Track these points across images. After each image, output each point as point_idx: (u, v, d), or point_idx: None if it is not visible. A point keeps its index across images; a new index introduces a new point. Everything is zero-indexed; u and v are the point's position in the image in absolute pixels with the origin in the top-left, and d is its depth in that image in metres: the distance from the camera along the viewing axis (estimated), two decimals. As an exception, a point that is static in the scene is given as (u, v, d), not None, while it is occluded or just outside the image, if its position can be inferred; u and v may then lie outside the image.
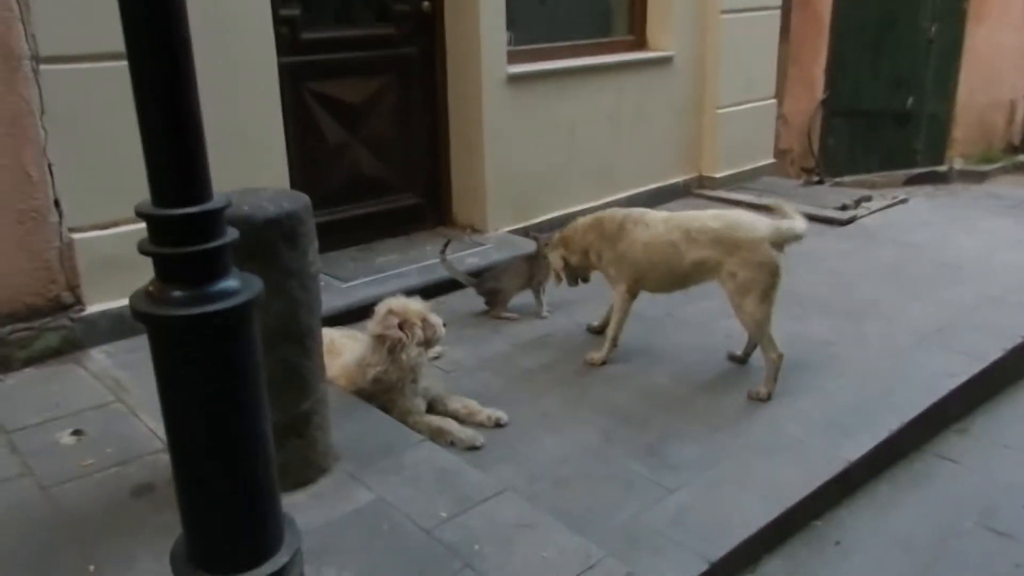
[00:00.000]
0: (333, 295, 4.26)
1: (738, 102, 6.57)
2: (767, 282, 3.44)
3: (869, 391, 3.48)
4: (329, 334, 3.49)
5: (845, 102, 8.76)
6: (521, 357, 3.86)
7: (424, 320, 3.18)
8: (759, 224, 3.49)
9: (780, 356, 3.44)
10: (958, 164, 8.80)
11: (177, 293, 1.63)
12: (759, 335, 3.49)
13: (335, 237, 4.89)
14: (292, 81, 4.53)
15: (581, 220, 3.86)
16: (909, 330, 4.07)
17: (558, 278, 3.99)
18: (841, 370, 3.66)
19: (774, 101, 7.04)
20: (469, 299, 4.54)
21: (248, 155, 4.05)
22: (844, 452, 3.03)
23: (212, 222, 1.65)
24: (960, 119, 8.98)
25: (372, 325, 3.17)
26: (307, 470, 2.57)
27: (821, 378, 3.59)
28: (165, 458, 2.74)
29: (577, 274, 3.94)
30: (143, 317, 1.63)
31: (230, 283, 1.67)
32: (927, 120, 8.94)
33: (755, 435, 3.15)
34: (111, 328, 3.65)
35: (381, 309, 3.18)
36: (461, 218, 5.36)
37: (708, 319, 4.24)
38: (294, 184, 4.55)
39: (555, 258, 3.91)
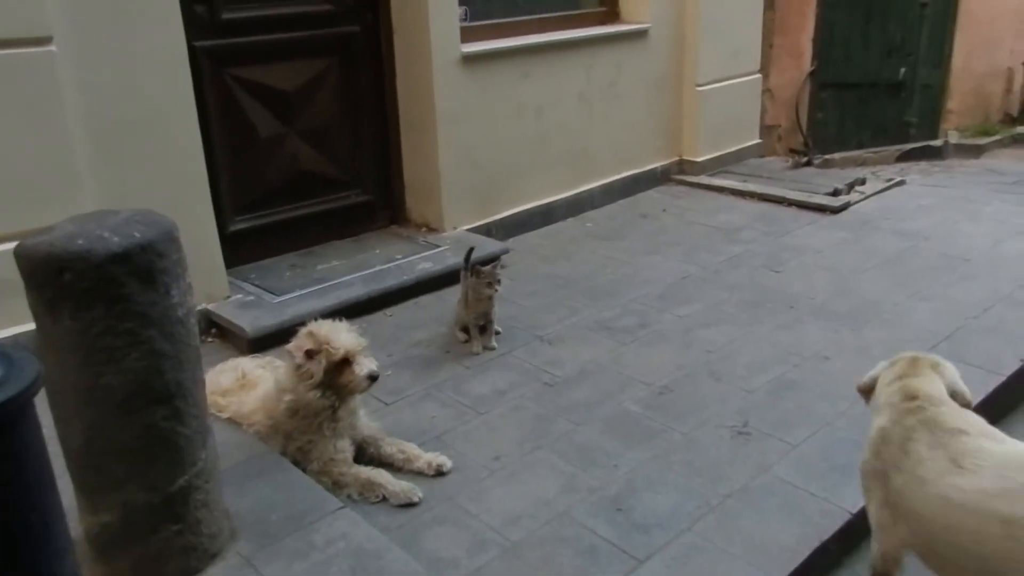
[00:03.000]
0: (263, 312, 3.75)
1: (721, 78, 6.04)
2: None
3: (872, 418, 3.00)
4: (240, 366, 3.02)
5: (834, 73, 8.26)
6: (473, 381, 3.37)
7: (344, 362, 2.57)
8: None
9: None
10: (953, 138, 8.34)
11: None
12: None
13: (272, 243, 4.39)
14: (214, 68, 3.98)
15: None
16: (915, 338, 3.59)
17: None
18: (840, 391, 3.18)
19: (759, 76, 6.51)
20: (421, 311, 4.05)
21: (157, 157, 3.52)
22: (845, 500, 2.55)
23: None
24: (955, 89, 8.50)
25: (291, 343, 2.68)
26: (189, 558, 2.08)
27: (817, 402, 3.12)
28: None
29: None
30: None
31: (-17, 375, 1.17)
32: (920, 91, 8.45)
33: (740, 481, 2.67)
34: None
35: (304, 328, 2.68)
36: (415, 216, 4.84)
37: (687, 329, 3.76)
38: (221, 185, 4.05)
39: None
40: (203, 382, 2.10)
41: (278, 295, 3.92)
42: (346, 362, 2.59)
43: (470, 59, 4.57)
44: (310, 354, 2.58)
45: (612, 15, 5.59)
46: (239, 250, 4.19)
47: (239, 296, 3.91)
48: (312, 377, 2.55)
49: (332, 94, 4.47)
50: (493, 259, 3.76)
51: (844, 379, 3.27)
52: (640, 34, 5.51)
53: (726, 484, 2.65)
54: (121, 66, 3.35)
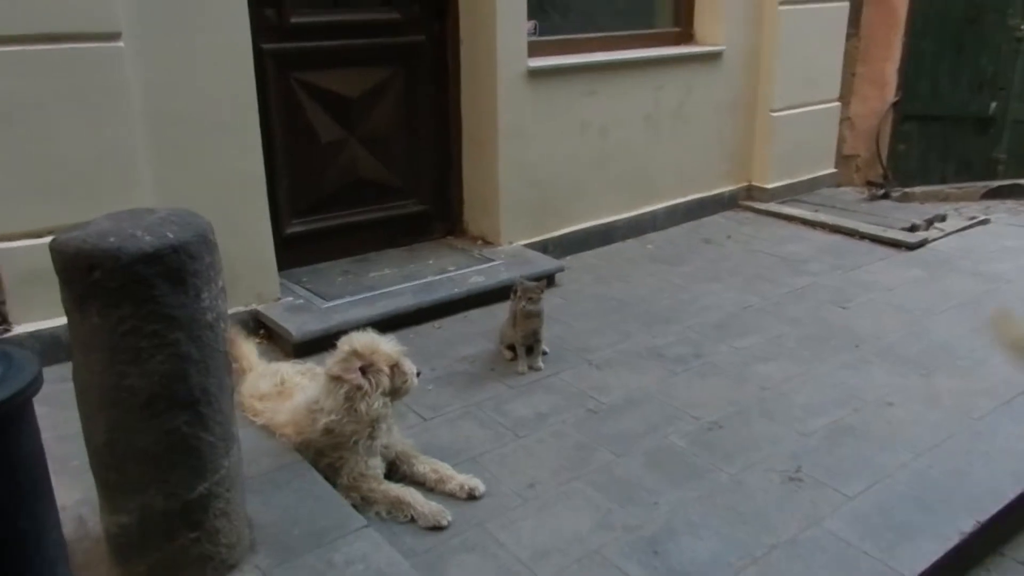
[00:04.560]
0: (310, 316, 3.73)
1: (796, 104, 5.84)
2: None
3: (937, 473, 2.80)
4: (280, 371, 2.98)
5: (919, 105, 7.92)
6: (515, 402, 3.27)
7: (395, 366, 2.62)
8: None
9: None
10: (1045, 177, 7.90)
11: None
12: None
13: (326, 247, 4.38)
14: (279, 70, 4.00)
15: None
16: (990, 389, 3.35)
17: None
18: (903, 442, 2.98)
19: (838, 104, 6.28)
20: (470, 326, 3.97)
21: (217, 156, 3.54)
22: (903, 564, 2.36)
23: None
24: (1050, 126, 8.06)
25: (330, 363, 2.62)
26: (205, 568, 2.03)
27: (877, 453, 2.92)
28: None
29: None
30: None
31: (-20, 375, 1.12)
32: (1011, 127, 8.02)
33: (788, 532, 2.50)
34: (43, 351, 3.18)
35: (343, 346, 2.62)
36: (472, 228, 4.78)
37: (743, 363, 3.59)
38: (279, 187, 4.07)
39: None
40: (230, 388, 2.05)
41: (328, 300, 3.90)
42: (396, 365, 2.60)
43: (536, 74, 4.50)
44: (364, 370, 2.53)
45: (686, 36, 5.46)
46: (293, 253, 4.20)
47: (289, 299, 3.90)
48: (379, 388, 2.54)
49: (395, 102, 4.45)
50: (541, 277, 3.65)
51: (909, 428, 3.07)
52: (714, 56, 5.36)
53: (772, 534, 2.49)
54: (186, 65, 3.38)
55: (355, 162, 4.39)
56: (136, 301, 1.78)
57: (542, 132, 4.62)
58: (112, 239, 1.75)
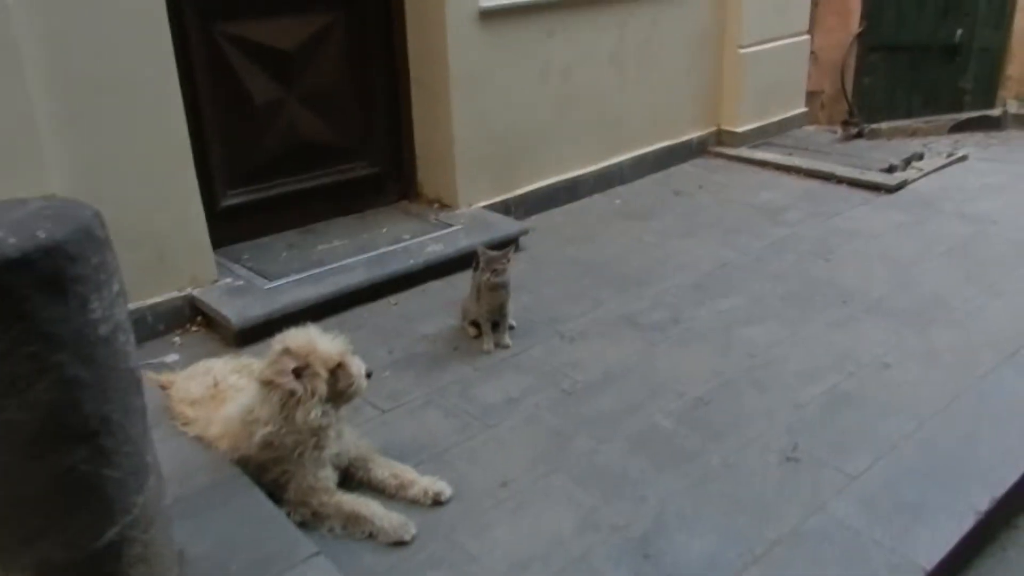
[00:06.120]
0: (252, 299, 3.37)
1: (766, 39, 5.51)
2: None
3: (946, 442, 2.57)
4: (212, 371, 2.62)
5: (884, 35, 7.65)
6: (483, 386, 2.97)
7: (338, 368, 2.26)
8: None
9: None
10: (1012, 107, 7.71)
11: None
12: None
13: (269, 219, 4.00)
14: (201, 23, 3.57)
15: None
16: (991, 341, 3.14)
17: None
18: (905, 408, 2.75)
19: (808, 37, 5.96)
20: (428, 300, 3.65)
21: (133, 122, 3.12)
22: (918, 552, 2.13)
23: None
24: (1016, 53, 7.83)
25: (262, 366, 2.29)
26: (124, 622, 1.72)
27: (879, 422, 2.68)
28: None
29: None
30: None
31: None
32: (978, 55, 7.81)
33: (790, 521, 2.25)
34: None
35: (276, 345, 2.27)
36: (427, 190, 4.42)
37: (726, 327, 3.33)
38: (211, 156, 3.67)
39: None
40: (141, 411, 1.71)
41: (271, 280, 3.54)
42: (339, 366, 2.24)
43: (489, 15, 4.10)
44: (299, 372, 2.19)
45: (648, -35, 5.08)
46: (231, 227, 3.82)
47: (228, 280, 3.54)
48: (315, 395, 2.18)
49: (337, 54, 4.03)
50: (505, 243, 3.32)
51: (910, 392, 2.85)
52: (679, -13, 5.00)
53: (773, 526, 2.24)
54: (88, 18, 2.94)
55: (296, 123, 3.98)
56: (3, 319, 1.42)
57: (498, 79, 4.24)
58: (-37, 245, 1.39)
